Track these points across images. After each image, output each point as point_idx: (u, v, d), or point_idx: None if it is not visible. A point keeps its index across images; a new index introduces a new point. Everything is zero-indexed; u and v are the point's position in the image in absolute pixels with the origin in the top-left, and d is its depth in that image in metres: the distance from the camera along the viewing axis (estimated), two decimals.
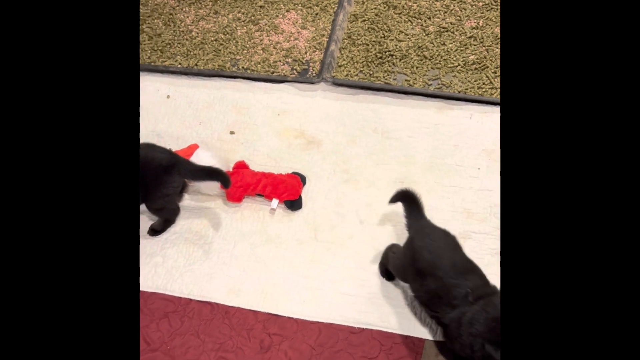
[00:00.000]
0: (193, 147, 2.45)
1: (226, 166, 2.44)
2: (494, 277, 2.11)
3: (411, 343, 2.04)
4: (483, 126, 2.56)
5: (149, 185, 2.20)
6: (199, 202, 2.45)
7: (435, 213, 2.32)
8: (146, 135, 2.67)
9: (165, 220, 2.37)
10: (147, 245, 2.34)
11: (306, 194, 2.43)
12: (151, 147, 2.27)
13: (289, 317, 2.13)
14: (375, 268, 2.21)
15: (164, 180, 2.22)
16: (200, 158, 2.37)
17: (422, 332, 2.06)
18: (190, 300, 2.20)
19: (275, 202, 2.36)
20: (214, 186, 2.38)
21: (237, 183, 2.36)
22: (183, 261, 2.29)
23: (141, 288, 2.23)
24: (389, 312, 2.11)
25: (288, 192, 2.36)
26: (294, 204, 2.37)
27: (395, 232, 2.29)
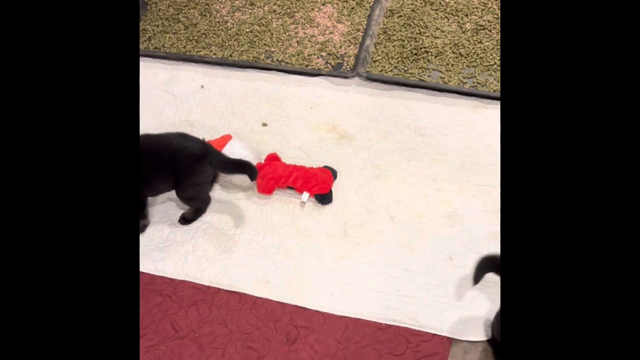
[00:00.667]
0: (226, 138, 2.46)
1: (258, 158, 2.45)
2: None
3: (439, 342, 2.03)
4: None
5: (180, 174, 2.21)
6: (230, 193, 2.46)
7: (467, 212, 2.31)
8: (179, 124, 2.70)
9: (196, 210, 2.38)
10: (178, 234, 2.36)
11: (337, 188, 2.43)
12: (184, 136, 2.29)
13: (316, 311, 2.14)
14: (404, 264, 2.20)
15: (195, 170, 2.23)
16: (234, 149, 2.38)
17: (450, 331, 2.05)
18: (219, 289, 2.21)
19: (305, 195, 2.36)
20: (245, 178, 2.38)
21: (269, 175, 2.36)
22: (213, 250, 2.31)
23: (171, 275, 2.25)
24: (417, 309, 2.10)
25: (319, 185, 2.35)
26: (325, 198, 2.37)
27: (426, 230, 2.28)
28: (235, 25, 3.05)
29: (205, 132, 2.59)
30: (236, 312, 2.15)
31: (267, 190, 2.39)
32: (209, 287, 2.22)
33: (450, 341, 2.03)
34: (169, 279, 2.25)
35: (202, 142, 2.28)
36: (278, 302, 2.17)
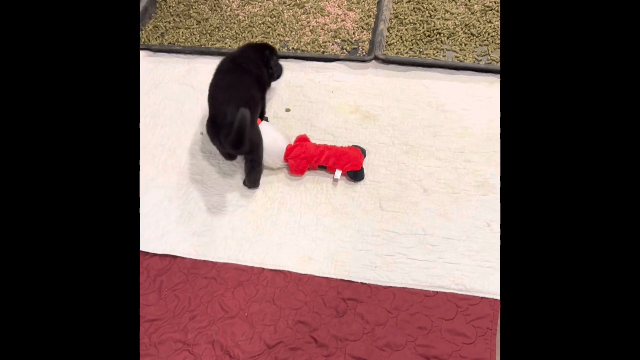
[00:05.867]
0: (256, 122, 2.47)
1: (288, 140, 2.47)
2: None
3: (487, 304, 2.05)
4: None
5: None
6: (263, 176, 2.47)
7: (497, 181, 2.36)
8: (200, 115, 2.71)
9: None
10: (215, 219, 2.36)
11: (367, 166, 2.46)
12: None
13: (362, 283, 2.15)
14: (443, 233, 2.23)
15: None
16: (265, 131, 2.39)
17: (497, 293, 2.08)
18: (263, 269, 2.22)
19: (338, 173, 2.38)
20: (277, 160, 2.40)
21: (301, 155, 2.38)
22: (252, 232, 2.31)
23: (213, 259, 2.25)
24: (462, 275, 2.13)
25: (351, 162, 2.38)
26: (357, 175, 2.40)
27: (460, 200, 2.32)
28: (247, 18, 3.07)
29: None
30: (283, 290, 2.16)
31: (299, 170, 2.41)
32: (252, 267, 2.23)
33: (498, 302, 2.06)
34: (212, 262, 2.25)
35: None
36: (323, 277, 2.18)
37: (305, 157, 2.39)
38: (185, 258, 2.27)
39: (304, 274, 2.20)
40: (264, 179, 2.46)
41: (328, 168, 2.42)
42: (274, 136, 2.39)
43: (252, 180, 2.40)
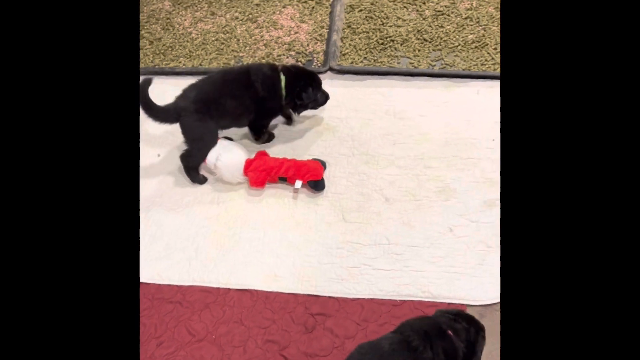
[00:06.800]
0: None
1: (247, 154, 2.46)
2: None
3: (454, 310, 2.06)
4: (492, 100, 2.63)
5: None
6: (222, 192, 2.46)
7: (458, 185, 2.38)
8: (160, 135, 2.68)
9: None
10: (177, 242, 2.34)
11: (328, 178, 2.45)
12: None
13: (329, 297, 2.15)
14: (407, 241, 2.24)
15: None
16: (224, 147, 2.40)
17: (463, 298, 2.09)
18: (229, 289, 2.20)
19: (299, 183, 2.37)
20: (237, 173, 2.39)
21: (260, 167, 2.38)
22: (216, 252, 2.29)
23: (177, 283, 2.22)
24: (428, 282, 2.14)
25: (311, 172, 2.38)
26: (318, 185, 2.39)
27: (422, 207, 2.33)
28: (200, 36, 3.06)
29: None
30: (250, 309, 2.14)
31: (259, 182, 2.39)
32: (218, 288, 2.20)
33: (465, 308, 2.07)
34: (177, 286, 2.22)
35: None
36: (290, 293, 2.17)
37: (265, 169, 2.38)
38: (149, 284, 2.23)
39: (271, 292, 2.18)
40: (225, 197, 2.45)
41: (288, 179, 2.41)
42: (233, 150, 2.40)
43: (184, 166, 2.47)
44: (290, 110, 2.59)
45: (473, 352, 1.68)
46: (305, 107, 2.54)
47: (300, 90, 2.46)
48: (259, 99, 2.41)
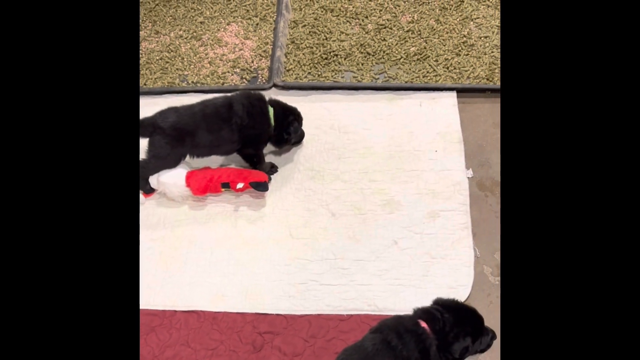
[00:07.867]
0: None
1: (189, 167, 2.46)
2: (467, 249, 2.21)
3: None
4: (434, 111, 2.67)
5: None
6: (168, 213, 2.46)
7: (402, 197, 2.41)
8: None
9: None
10: None
11: (274, 194, 2.47)
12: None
13: (277, 314, 2.16)
14: (353, 255, 2.26)
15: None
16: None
17: (408, 309, 2.11)
18: (175, 311, 2.19)
19: (240, 184, 2.37)
20: (180, 185, 2.38)
21: (201, 175, 2.40)
22: (162, 274, 2.28)
23: None
24: (373, 295, 2.16)
25: (252, 175, 2.40)
26: (260, 185, 2.39)
27: (367, 221, 2.35)
28: (144, 55, 3.04)
29: None
30: (197, 331, 2.13)
31: (201, 190, 2.39)
32: (164, 311, 2.19)
33: None
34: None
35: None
36: (237, 313, 2.17)
37: (206, 177, 2.39)
38: None
39: (218, 312, 2.18)
40: (171, 218, 2.44)
41: (231, 184, 2.38)
42: (178, 170, 2.41)
43: None
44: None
45: (446, 343, 1.74)
46: (288, 142, 2.54)
47: (289, 124, 2.46)
48: (243, 126, 2.38)
